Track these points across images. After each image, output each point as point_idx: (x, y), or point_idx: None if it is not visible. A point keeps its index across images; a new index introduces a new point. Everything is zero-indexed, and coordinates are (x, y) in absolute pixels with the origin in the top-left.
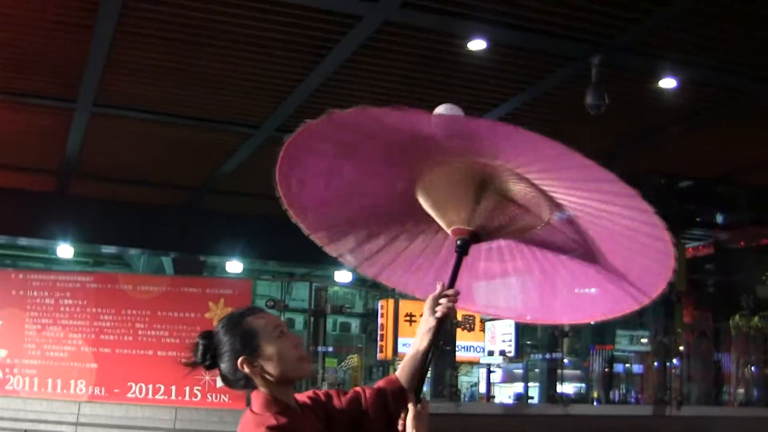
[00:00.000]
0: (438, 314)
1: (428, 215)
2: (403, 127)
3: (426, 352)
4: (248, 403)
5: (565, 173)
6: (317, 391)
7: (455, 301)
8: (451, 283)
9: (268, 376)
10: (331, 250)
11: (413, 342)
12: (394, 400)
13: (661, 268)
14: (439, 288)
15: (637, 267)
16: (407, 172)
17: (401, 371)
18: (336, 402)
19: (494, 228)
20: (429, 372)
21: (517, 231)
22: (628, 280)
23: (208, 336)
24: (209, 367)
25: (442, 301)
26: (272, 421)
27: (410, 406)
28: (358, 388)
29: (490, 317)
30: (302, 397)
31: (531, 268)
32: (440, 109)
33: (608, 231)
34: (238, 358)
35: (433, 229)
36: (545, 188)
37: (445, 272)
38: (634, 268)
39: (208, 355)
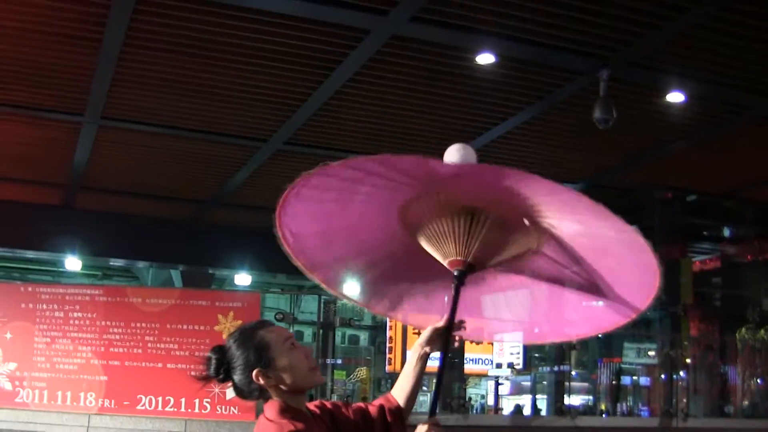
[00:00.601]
0: (438, 346)
1: (424, 251)
2: (392, 173)
3: (421, 376)
4: (257, 414)
5: (553, 206)
6: (324, 402)
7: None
8: (452, 314)
9: (282, 386)
10: (336, 294)
11: (408, 361)
12: (391, 417)
13: (646, 285)
14: (444, 319)
15: (623, 283)
16: (400, 213)
17: (396, 390)
18: (344, 411)
19: (488, 257)
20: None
21: (509, 259)
22: (614, 296)
23: (221, 350)
24: (222, 381)
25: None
26: (290, 427)
27: (420, 425)
28: (362, 404)
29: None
30: (310, 406)
31: (525, 289)
32: (453, 153)
33: (594, 252)
34: (252, 371)
35: (436, 264)
36: (535, 217)
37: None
38: (619, 285)
39: (221, 369)
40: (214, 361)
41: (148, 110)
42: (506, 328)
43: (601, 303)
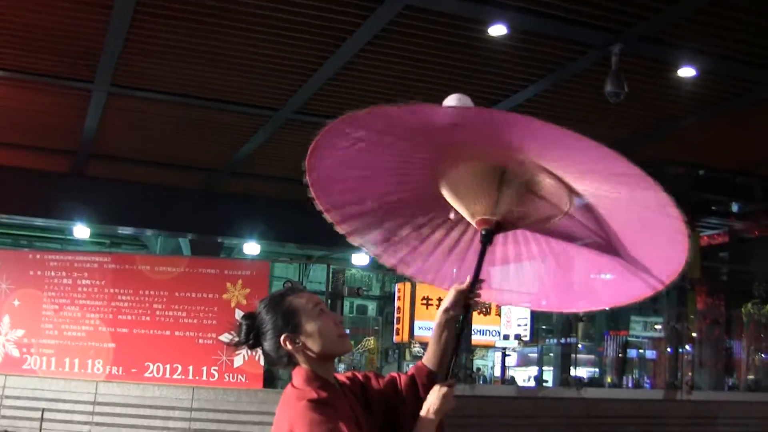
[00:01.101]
0: (467, 301)
1: (449, 207)
2: (420, 123)
3: (451, 340)
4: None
5: (585, 165)
6: (356, 372)
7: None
8: (477, 273)
9: (309, 353)
10: (353, 240)
11: (434, 328)
12: (423, 386)
13: (674, 257)
14: (468, 280)
15: (652, 254)
16: (429, 166)
17: (427, 357)
18: (374, 384)
19: (517, 218)
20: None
21: (538, 221)
22: (642, 267)
23: (251, 317)
24: (252, 346)
25: (468, 294)
26: (313, 395)
27: (437, 386)
28: (394, 374)
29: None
30: (341, 377)
31: (546, 255)
32: (450, 101)
33: (624, 219)
34: (280, 336)
35: (453, 221)
36: (565, 178)
37: (463, 262)
38: (648, 256)
39: (251, 335)
40: (244, 327)
41: (159, 78)
42: (529, 294)
43: (626, 272)
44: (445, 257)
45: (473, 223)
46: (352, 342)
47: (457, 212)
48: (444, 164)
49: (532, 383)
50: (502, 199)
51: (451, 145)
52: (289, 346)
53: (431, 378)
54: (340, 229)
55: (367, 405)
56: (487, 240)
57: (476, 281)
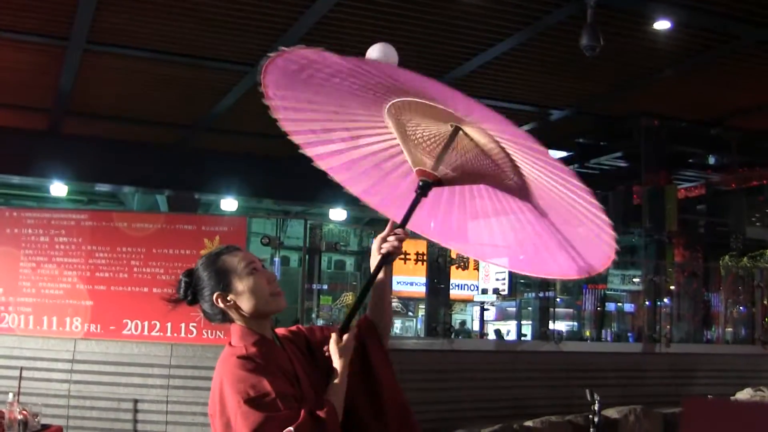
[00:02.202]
0: (383, 251)
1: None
2: (364, 75)
3: (383, 284)
4: None
5: (507, 136)
6: (300, 327)
7: (403, 240)
8: (404, 222)
9: (242, 311)
10: (297, 138)
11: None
12: (365, 333)
13: (603, 249)
14: (387, 227)
15: (581, 242)
16: (381, 100)
17: (369, 307)
18: (318, 335)
19: (459, 177)
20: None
21: (482, 181)
22: (574, 250)
23: (189, 274)
24: (191, 303)
25: (390, 238)
26: (242, 351)
27: (333, 335)
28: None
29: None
30: (283, 331)
31: (509, 212)
32: (373, 52)
33: (557, 204)
34: (213, 294)
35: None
36: (506, 148)
37: (405, 198)
38: (578, 242)
39: (189, 292)
40: (183, 284)
41: (134, 34)
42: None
43: (561, 251)
44: (386, 182)
45: (414, 170)
46: (330, 297)
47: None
48: (395, 97)
49: (512, 337)
50: (447, 154)
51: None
52: (221, 304)
53: (371, 327)
54: (283, 125)
55: (312, 357)
56: (423, 192)
57: (402, 228)
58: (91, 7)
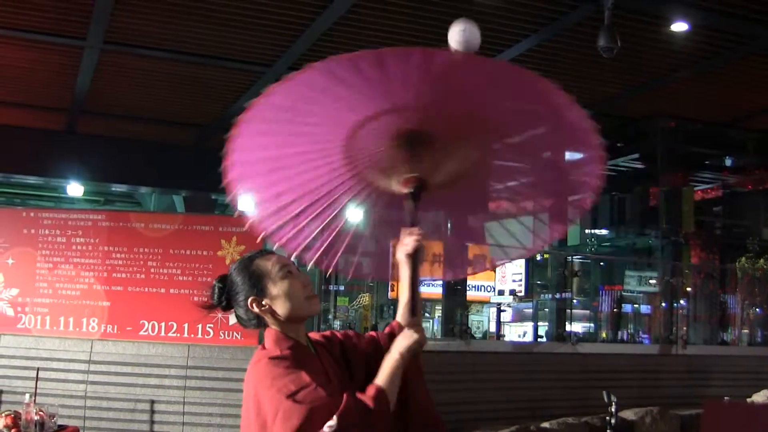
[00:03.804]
0: (409, 250)
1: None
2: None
3: (410, 285)
4: (260, 341)
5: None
6: (334, 332)
7: (421, 235)
8: (413, 222)
9: (277, 315)
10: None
11: (400, 290)
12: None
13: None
14: (402, 234)
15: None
16: (342, 136)
17: (399, 315)
18: (354, 342)
19: (438, 173)
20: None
21: (459, 174)
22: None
23: (223, 279)
24: (225, 309)
25: (408, 240)
26: (276, 353)
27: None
28: (373, 333)
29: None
30: (317, 336)
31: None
32: (456, 33)
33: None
34: (248, 299)
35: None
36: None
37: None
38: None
39: (223, 297)
40: (216, 290)
41: (151, 34)
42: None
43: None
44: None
45: (398, 187)
46: (347, 298)
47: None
48: (355, 134)
49: (528, 338)
50: (421, 157)
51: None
52: (256, 309)
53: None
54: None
55: (346, 364)
56: (416, 198)
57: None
58: (107, 8)
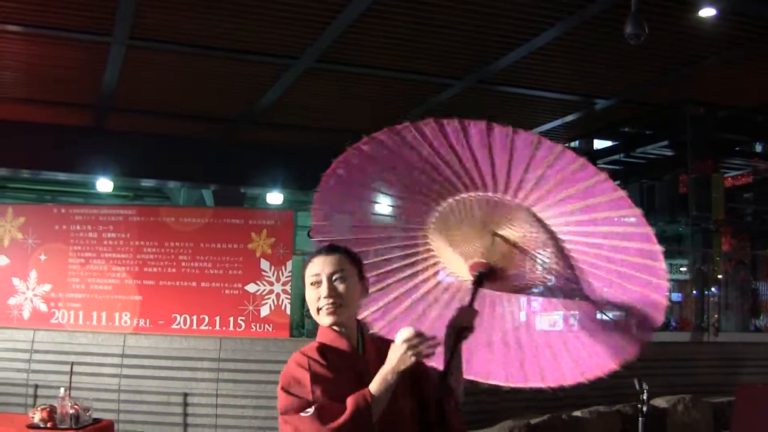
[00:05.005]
0: (456, 325)
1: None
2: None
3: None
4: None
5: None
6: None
7: (474, 316)
8: (471, 302)
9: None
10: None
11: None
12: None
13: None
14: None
15: (634, 299)
16: (425, 207)
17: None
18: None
19: (505, 266)
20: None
21: (523, 276)
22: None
23: None
24: None
25: (461, 317)
26: (306, 348)
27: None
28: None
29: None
30: (381, 339)
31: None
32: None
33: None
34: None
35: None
36: (554, 228)
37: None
38: (631, 301)
39: None
40: None
41: (177, 30)
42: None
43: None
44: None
45: (467, 267)
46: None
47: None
48: (437, 206)
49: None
50: (493, 246)
51: (448, 185)
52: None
53: (443, 376)
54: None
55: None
56: (479, 282)
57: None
58: (132, 4)
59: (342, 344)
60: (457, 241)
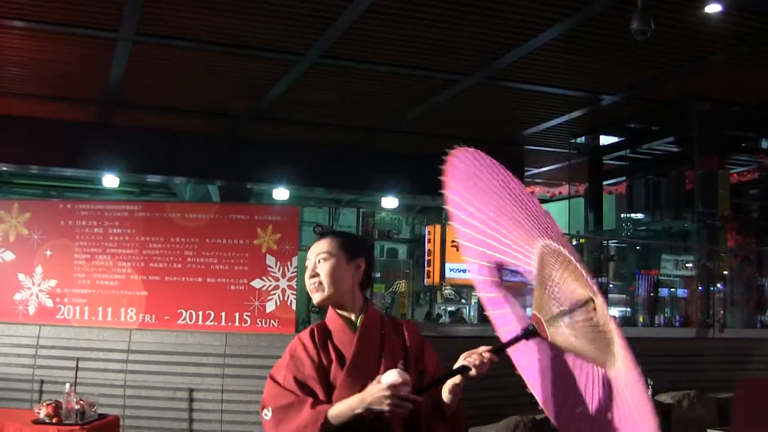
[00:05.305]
0: (466, 361)
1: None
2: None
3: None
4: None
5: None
6: (424, 340)
7: (488, 362)
8: (499, 349)
9: None
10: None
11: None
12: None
13: None
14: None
15: None
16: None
17: (445, 391)
18: (425, 352)
19: (563, 345)
20: None
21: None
22: None
23: None
24: None
25: (476, 355)
26: (305, 330)
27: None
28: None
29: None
30: (388, 320)
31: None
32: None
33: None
34: None
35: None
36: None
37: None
38: None
39: None
40: None
41: (183, 25)
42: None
43: None
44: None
45: (534, 311)
46: (383, 285)
47: None
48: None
49: None
50: (564, 317)
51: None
52: None
53: (438, 398)
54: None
55: (404, 354)
56: (525, 336)
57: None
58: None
59: (336, 323)
60: (545, 282)
